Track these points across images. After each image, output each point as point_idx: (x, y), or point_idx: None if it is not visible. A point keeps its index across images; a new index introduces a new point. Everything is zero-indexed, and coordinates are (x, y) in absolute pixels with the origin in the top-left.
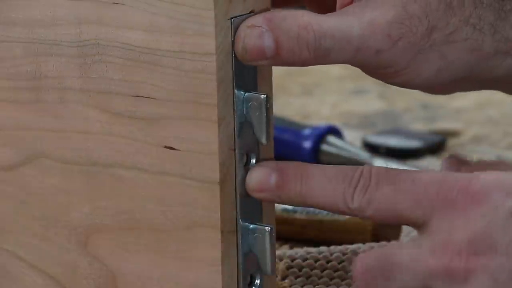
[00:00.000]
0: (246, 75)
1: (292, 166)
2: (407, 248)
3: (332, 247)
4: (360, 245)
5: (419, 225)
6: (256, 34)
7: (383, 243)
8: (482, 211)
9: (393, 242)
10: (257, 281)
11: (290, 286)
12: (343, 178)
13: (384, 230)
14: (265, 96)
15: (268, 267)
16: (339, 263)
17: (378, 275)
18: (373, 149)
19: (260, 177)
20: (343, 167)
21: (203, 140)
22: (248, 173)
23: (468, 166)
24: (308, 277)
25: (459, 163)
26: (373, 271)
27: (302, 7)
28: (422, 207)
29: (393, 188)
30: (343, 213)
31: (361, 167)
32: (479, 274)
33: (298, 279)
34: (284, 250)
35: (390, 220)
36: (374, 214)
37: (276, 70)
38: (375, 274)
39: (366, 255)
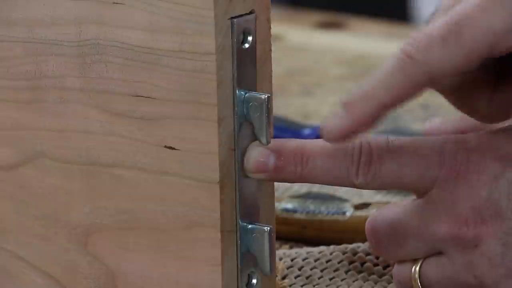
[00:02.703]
0: (246, 75)
1: (290, 146)
2: (413, 215)
3: (332, 247)
4: (360, 244)
5: (422, 193)
6: None
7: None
8: (484, 180)
9: (398, 204)
10: (254, 281)
11: (290, 285)
12: (344, 155)
13: None
14: (266, 96)
15: (267, 267)
16: (339, 263)
17: (388, 242)
18: None
19: (258, 158)
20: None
21: (203, 140)
22: (246, 152)
23: (454, 123)
24: (307, 276)
25: (445, 124)
26: (383, 238)
27: None
28: (427, 178)
29: (396, 162)
30: (346, 186)
31: (357, 141)
32: (489, 240)
33: (298, 279)
34: (284, 250)
35: (393, 189)
36: (378, 187)
37: (276, 70)
38: (385, 241)
39: (374, 220)
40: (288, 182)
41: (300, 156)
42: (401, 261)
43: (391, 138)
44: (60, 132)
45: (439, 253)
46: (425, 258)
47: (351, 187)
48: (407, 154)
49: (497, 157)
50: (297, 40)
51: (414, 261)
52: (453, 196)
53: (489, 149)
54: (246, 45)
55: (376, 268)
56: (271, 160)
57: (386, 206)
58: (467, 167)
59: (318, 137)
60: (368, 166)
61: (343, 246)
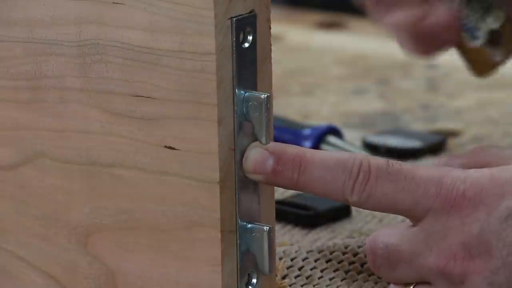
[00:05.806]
0: (246, 74)
1: (290, 152)
2: (406, 241)
3: (331, 246)
4: (360, 244)
5: (415, 220)
6: None
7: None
8: (477, 216)
9: (397, 226)
10: (253, 280)
11: (290, 285)
12: (342, 170)
13: None
14: (265, 96)
15: (266, 267)
16: (339, 263)
17: (382, 264)
18: (373, 149)
19: (257, 159)
20: (342, 156)
21: (203, 140)
22: (246, 151)
23: (461, 160)
24: (307, 276)
25: (452, 160)
26: (378, 259)
27: None
28: (421, 207)
29: (393, 186)
30: (340, 201)
31: (359, 157)
32: (475, 278)
33: (298, 279)
34: (284, 248)
35: (387, 212)
36: (372, 208)
37: (276, 70)
38: (380, 262)
39: (374, 240)
40: (284, 188)
41: (299, 163)
42: (396, 283)
43: (392, 161)
44: (60, 132)
45: (428, 282)
46: (416, 284)
47: (345, 203)
48: (404, 180)
49: (493, 195)
50: (297, 40)
51: (406, 285)
52: (444, 228)
53: (486, 186)
54: (246, 45)
55: None
56: (270, 163)
57: (387, 226)
58: (462, 201)
59: (318, 136)
60: (364, 185)
61: (343, 246)
